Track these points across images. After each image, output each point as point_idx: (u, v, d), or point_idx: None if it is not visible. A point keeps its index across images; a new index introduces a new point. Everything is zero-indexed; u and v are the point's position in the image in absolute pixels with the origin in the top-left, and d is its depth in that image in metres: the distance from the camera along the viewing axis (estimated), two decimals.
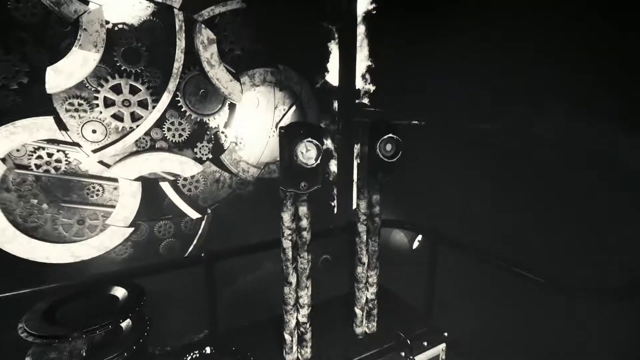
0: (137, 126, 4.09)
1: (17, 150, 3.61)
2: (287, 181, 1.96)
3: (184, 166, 4.43)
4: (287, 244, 2.11)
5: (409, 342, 2.34)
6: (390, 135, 2.17)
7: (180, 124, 4.35)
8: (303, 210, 2.08)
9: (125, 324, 2.11)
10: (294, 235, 2.12)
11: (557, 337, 3.47)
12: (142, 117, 4.11)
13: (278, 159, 4.63)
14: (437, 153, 4.62)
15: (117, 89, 3.94)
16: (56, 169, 3.79)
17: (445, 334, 2.53)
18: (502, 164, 4.04)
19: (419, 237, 5.18)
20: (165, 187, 4.40)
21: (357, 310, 2.47)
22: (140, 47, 3.98)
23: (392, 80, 5.50)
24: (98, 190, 4.06)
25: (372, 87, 5.80)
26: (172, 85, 4.17)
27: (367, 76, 5.79)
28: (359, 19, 5.61)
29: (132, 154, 4.12)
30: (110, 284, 2.34)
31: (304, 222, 2.09)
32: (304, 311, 2.20)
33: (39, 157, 3.70)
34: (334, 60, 5.64)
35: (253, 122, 4.93)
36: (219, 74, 4.46)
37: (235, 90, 4.61)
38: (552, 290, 2.68)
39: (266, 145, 5.08)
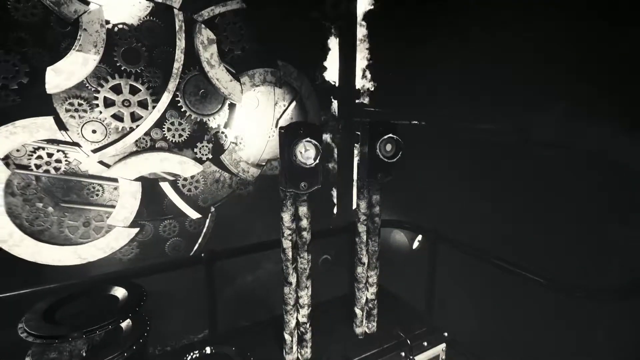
0: (137, 126, 4.09)
1: (17, 151, 3.61)
2: (287, 181, 1.96)
3: (184, 166, 4.43)
4: (287, 244, 2.11)
5: (409, 342, 2.34)
6: (390, 135, 2.18)
7: (180, 124, 4.35)
8: (303, 210, 2.08)
9: (125, 324, 2.11)
10: (294, 235, 2.12)
11: (557, 337, 3.47)
12: (142, 117, 4.11)
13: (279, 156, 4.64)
14: (437, 153, 4.62)
15: (117, 89, 3.94)
16: (56, 169, 3.79)
17: (445, 334, 2.53)
18: (502, 164, 4.04)
19: (419, 237, 5.18)
20: (165, 187, 4.40)
21: (357, 310, 2.47)
22: (140, 47, 3.98)
23: (392, 80, 5.50)
24: (98, 191, 4.06)
25: (372, 87, 5.80)
26: (172, 85, 4.17)
27: (367, 76, 5.79)
28: (359, 18, 5.62)
29: (132, 154, 4.12)
30: (110, 284, 2.34)
31: (304, 222, 2.09)
32: (304, 311, 2.20)
33: (39, 157, 3.70)
34: (334, 59, 5.64)
35: (253, 122, 4.93)
36: (219, 74, 4.47)
37: (235, 90, 4.61)
38: (552, 290, 2.68)
39: (266, 146, 5.08)
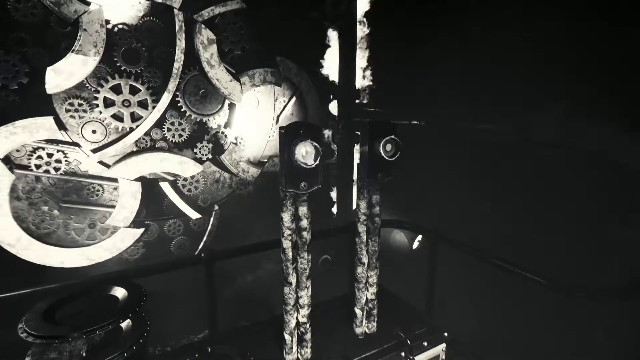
0: (137, 126, 4.09)
1: (17, 151, 3.61)
2: (287, 181, 1.97)
3: (184, 166, 4.43)
4: (287, 244, 2.11)
5: (409, 342, 2.34)
6: (392, 137, 2.18)
7: (180, 124, 4.35)
8: (303, 210, 2.08)
9: (125, 324, 2.11)
10: (294, 235, 2.12)
11: (557, 337, 3.47)
12: (142, 117, 4.11)
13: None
14: (437, 153, 4.62)
15: (117, 89, 3.94)
16: (56, 169, 3.79)
17: (445, 334, 2.53)
18: (502, 164, 4.04)
19: (419, 237, 5.18)
20: (165, 187, 4.40)
21: (357, 310, 2.47)
22: (140, 47, 3.98)
23: (392, 80, 5.50)
24: (98, 191, 4.07)
25: (372, 87, 5.80)
26: (172, 85, 4.17)
27: (367, 76, 5.79)
28: (359, 18, 5.62)
29: (132, 154, 4.12)
30: (110, 285, 2.34)
31: (304, 222, 2.09)
32: (304, 311, 2.20)
33: (39, 157, 3.70)
34: (334, 59, 5.64)
35: (253, 122, 4.93)
36: (218, 74, 4.47)
37: (235, 90, 4.61)
38: (552, 290, 2.68)
39: (266, 146, 5.08)
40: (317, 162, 1.94)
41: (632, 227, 3.08)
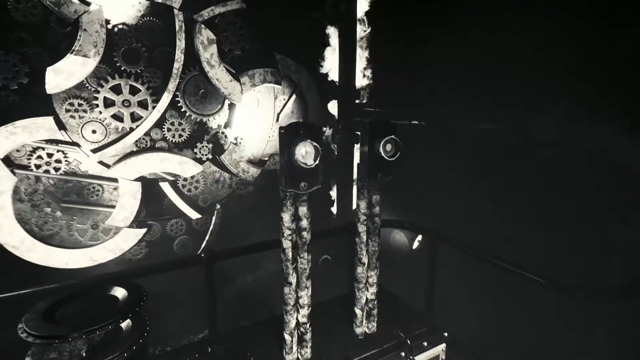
0: (137, 126, 4.09)
1: (17, 151, 3.61)
2: (287, 181, 1.97)
3: (184, 166, 4.43)
4: (287, 244, 2.11)
5: (409, 342, 2.34)
6: (392, 137, 2.18)
7: (180, 124, 4.35)
8: (303, 210, 2.08)
9: (125, 324, 2.11)
10: (294, 235, 2.12)
11: (557, 337, 3.47)
12: (142, 117, 4.11)
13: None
14: (437, 153, 4.62)
15: (117, 89, 3.94)
16: (56, 169, 3.79)
17: (445, 334, 2.53)
18: (502, 164, 4.04)
19: (419, 237, 5.18)
20: (165, 187, 4.40)
21: (357, 311, 2.47)
22: (140, 47, 3.98)
23: (392, 80, 5.50)
24: (98, 191, 4.07)
25: (372, 87, 5.80)
26: (172, 85, 4.17)
27: (368, 76, 5.79)
28: (359, 18, 5.62)
29: (132, 154, 4.12)
30: (110, 285, 2.34)
31: (304, 222, 2.09)
32: (304, 311, 2.20)
33: (39, 157, 3.70)
34: (334, 59, 5.64)
35: (253, 122, 4.93)
36: (218, 74, 4.46)
37: (235, 90, 4.61)
38: (552, 290, 2.68)
39: (266, 145, 5.08)
40: (317, 162, 1.94)
41: (632, 227, 3.08)
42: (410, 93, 5.02)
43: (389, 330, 2.48)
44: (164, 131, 4.27)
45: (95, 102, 3.86)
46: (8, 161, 3.57)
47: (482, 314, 4.06)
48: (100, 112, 3.90)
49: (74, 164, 3.88)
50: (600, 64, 3.22)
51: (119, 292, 2.28)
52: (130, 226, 4.24)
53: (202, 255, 2.98)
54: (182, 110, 4.33)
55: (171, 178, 4.43)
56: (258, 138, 5.00)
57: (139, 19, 3.94)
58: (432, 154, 4.62)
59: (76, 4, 3.59)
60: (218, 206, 4.79)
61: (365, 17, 5.62)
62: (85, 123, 3.86)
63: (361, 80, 5.79)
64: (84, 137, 3.87)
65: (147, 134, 4.17)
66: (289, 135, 1.91)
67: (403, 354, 2.32)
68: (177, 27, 4.12)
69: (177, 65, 4.17)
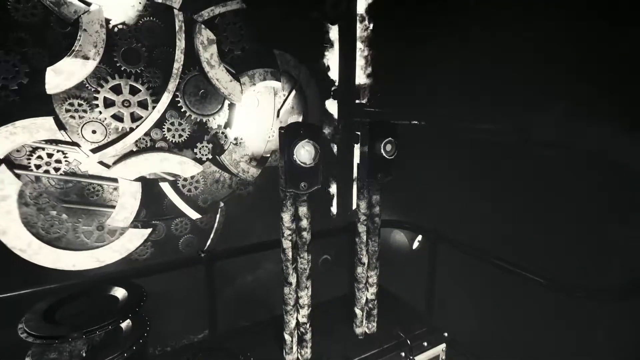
0: (137, 126, 4.09)
1: (17, 151, 3.61)
2: (287, 181, 1.97)
3: (184, 166, 4.43)
4: (287, 244, 2.11)
5: (409, 342, 2.34)
6: (390, 138, 2.18)
7: (180, 124, 4.35)
8: (303, 210, 2.08)
9: (125, 324, 2.11)
10: (294, 235, 2.12)
11: (557, 337, 3.47)
12: (142, 117, 4.11)
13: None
14: (437, 153, 4.62)
15: (117, 90, 3.94)
16: (56, 169, 3.79)
17: (445, 334, 2.53)
18: (502, 164, 4.04)
19: (419, 237, 5.18)
20: (165, 187, 4.40)
21: (357, 311, 2.47)
22: (140, 47, 3.98)
23: (392, 80, 5.50)
24: (98, 191, 4.07)
25: (372, 87, 5.80)
26: (172, 85, 4.17)
27: (368, 76, 5.79)
28: (359, 18, 5.62)
29: (132, 154, 4.12)
30: (110, 285, 2.34)
31: (304, 223, 2.09)
32: (304, 311, 2.20)
33: (39, 157, 3.70)
34: (333, 59, 5.64)
35: (253, 121, 4.93)
36: (218, 75, 4.46)
37: (235, 90, 4.61)
38: (552, 290, 2.68)
39: (266, 146, 5.08)
40: (317, 161, 1.94)
41: (632, 227, 3.07)
42: (410, 93, 5.02)
43: (389, 331, 2.48)
44: (164, 131, 4.27)
45: (95, 102, 3.86)
46: (8, 161, 3.57)
47: (482, 314, 4.06)
48: (100, 112, 3.90)
49: (74, 164, 3.88)
50: (600, 64, 3.22)
51: (119, 293, 2.28)
52: (135, 226, 4.26)
53: (202, 255, 2.98)
54: (182, 110, 4.33)
55: (171, 178, 4.43)
56: (258, 138, 5.00)
57: (139, 19, 3.94)
58: (432, 154, 4.62)
59: (76, 4, 3.59)
60: (222, 204, 4.80)
61: (365, 17, 5.62)
62: (85, 123, 3.86)
63: (361, 80, 5.79)
64: (83, 137, 3.87)
65: (147, 134, 4.17)
66: (289, 135, 1.91)
67: (403, 354, 2.32)
68: (177, 27, 4.12)
69: (177, 65, 4.17)
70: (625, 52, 3.06)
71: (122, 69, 3.92)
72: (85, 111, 3.83)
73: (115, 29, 3.84)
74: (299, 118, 5.34)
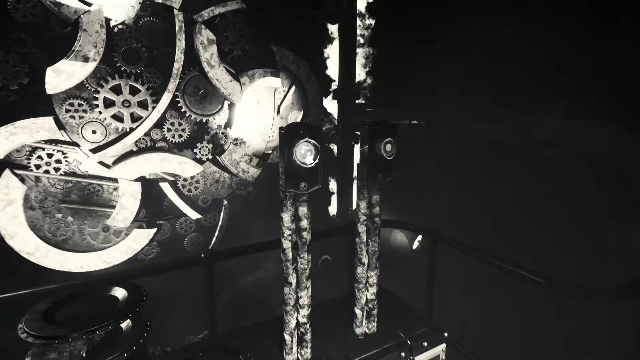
0: (137, 126, 4.09)
1: (17, 151, 3.61)
2: (287, 181, 1.96)
3: (184, 167, 4.43)
4: (287, 244, 2.11)
5: (409, 342, 2.34)
6: (390, 138, 2.18)
7: (180, 124, 4.35)
8: (303, 210, 2.08)
9: (125, 324, 2.11)
10: (294, 235, 2.12)
11: (557, 337, 3.47)
12: (142, 117, 4.11)
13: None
14: (437, 153, 4.62)
15: (117, 90, 3.94)
16: (56, 169, 3.79)
17: (445, 334, 2.53)
18: (502, 164, 4.04)
19: (419, 237, 5.18)
20: (165, 187, 4.40)
21: (357, 311, 2.47)
22: (140, 47, 3.98)
23: (392, 80, 5.50)
24: (98, 191, 4.07)
25: (372, 87, 5.80)
26: (172, 85, 4.17)
27: (368, 76, 5.79)
28: (359, 18, 5.61)
29: (132, 154, 4.12)
30: (110, 285, 2.34)
31: (304, 223, 2.09)
32: (304, 312, 2.20)
33: (39, 157, 3.70)
34: (333, 59, 5.64)
35: (253, 122, 4.93)
36: (218, 75, 4.46)
37: (235, 90, 4.61)
38: (552, 290, 2.68)
39: (266, 145, 5.08)
40: (317, 161, 1.94)
41: (632, 227, 3.08)
42: (410, 93, 5.02)
43: (389, 331, 2.48)
44: (164, 131, 4.27)
45: (95, 102, 3.85)
46: (8, 162, 3.57)
47: (482, 314, 4.06)
48: (100, 113, 3.90)
49: (74, 164, 3.88)
50: (600, 63, 3.22)
51: (119, 293, 2.28)
52: (140, 226, 4.27)
53: (202, 255, 2.98)
54: (182, 110, 4.32)
55: (171, 178, 4.43)
56: (258, 137, 5.00)
57: (139, 19, 3.94)
58: (432, 154, 4.62)
59: (76, 4, 3.59)
60: (225, 202, 4.81)
61: (365, 17, 5.62)
62: (85, 123, 3.85)
63: (361, 80, 5.78)
64: (83, 138, 3.86)
65: (147, 134, 4.17)
66: (289, 135, 1.91)
67: (403, 354, 2.32)
68: (177, 28, 4.12)
69: (177, 65, 4.17)
70: (625, 52, 3.06)
71: (122, 69, 3.92)
72: (85, 111, 3.83)
73: (115, 29, 3.84)
74: (300, 113, 5.33)
